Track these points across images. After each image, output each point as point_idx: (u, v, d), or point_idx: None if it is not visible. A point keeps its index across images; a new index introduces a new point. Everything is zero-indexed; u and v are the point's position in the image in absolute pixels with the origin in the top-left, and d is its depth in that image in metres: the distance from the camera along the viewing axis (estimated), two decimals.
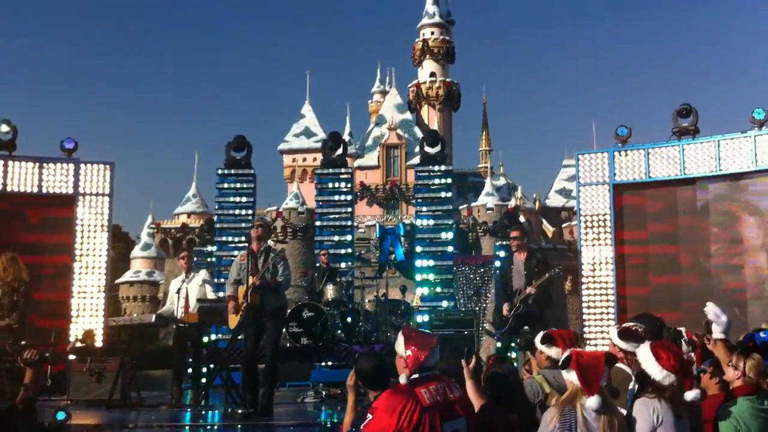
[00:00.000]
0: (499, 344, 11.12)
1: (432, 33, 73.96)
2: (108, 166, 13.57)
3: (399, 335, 4.56)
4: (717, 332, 5.42)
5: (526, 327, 10.97)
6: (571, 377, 4.32)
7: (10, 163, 13.00)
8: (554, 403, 4.57)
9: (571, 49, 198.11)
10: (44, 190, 13.10)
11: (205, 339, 10.96)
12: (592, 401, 4.17)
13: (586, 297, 13.18)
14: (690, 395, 4.50)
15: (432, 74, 72.87)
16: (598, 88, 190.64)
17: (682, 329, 6.91)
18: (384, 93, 76.51)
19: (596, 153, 13.78)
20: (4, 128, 13.06)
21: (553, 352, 5.69)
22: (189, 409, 10.00)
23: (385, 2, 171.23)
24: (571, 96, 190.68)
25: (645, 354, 4.58)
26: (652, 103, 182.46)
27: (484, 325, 11.42)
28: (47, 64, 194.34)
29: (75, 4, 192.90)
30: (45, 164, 13.18)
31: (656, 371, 4.47)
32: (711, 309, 5.51)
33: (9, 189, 12.92)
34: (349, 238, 16.29)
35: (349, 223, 16.51)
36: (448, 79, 73.23)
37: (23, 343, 8.91)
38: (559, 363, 4.54)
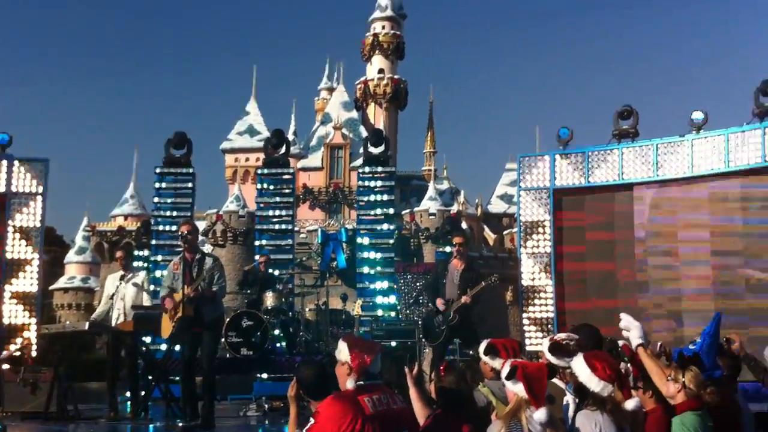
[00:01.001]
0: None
1: (383, 27, 71.98)
2: (42, 163, 13.13)
3: (340, 342, 4.50)
4: (635, 338, 5.34)
5: (457, 340, 10.83)
6: (516, 389, 4.28)
7: None
8: (498, 416, 4.54)
9: (519, 50, 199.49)
10: None
11: (142, 349, 10.59)
12: (540, 414, 4.13)
13: (525, 307, 13.08)
14: (631, 404, 4.52)
15: (380, 71, 70.89)
16: (543, 90, 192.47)
17: (620, 341, 6.96)
18: (331, 90, 74.28)
19: (538, 156, 13.57)
20: None
21: (497, 363, 5.66)
22: (129, 422, 9.72)
23: None
24: (516, 98, 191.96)
25: (580, 366, 4.58)
26: (597, 105, 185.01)
27: (421, 337, 11.27)
28: None
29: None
30: None
31: (593, 383, 4.47)
32: (623, 318, 5.46)
33: None
34: (290, 242, 16.06)
35: (290, 227, 16.28)
36: (396, 76, 71.60)
37: None
38: (504, 375, 4.48)
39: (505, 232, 62.71)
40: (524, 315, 13.09)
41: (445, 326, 9.94)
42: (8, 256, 12.58)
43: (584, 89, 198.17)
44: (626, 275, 12.87)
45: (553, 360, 5.54)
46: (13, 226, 12.71)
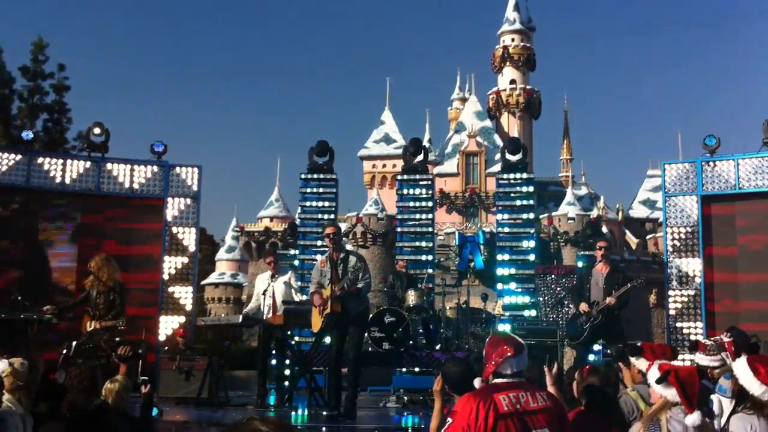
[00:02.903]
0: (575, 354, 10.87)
1: (512, 40, 72.99)
2: (196, 168, 13.88)
3: (486, 341, 4.52)
4: None
5: (601, 341, 10.77)
6: (668, 393, 4.24)
7: (103, 165, 13.45)
8: (640, 418, 4.51)
9: (655, 57, 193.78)
10: (136, 191, 13.49)
11: (291, 341, 11.05)
12: (693, 418, 4.08)
13: (673, 311, 12.85)
14: None
15: (512, 81, 71.94)
16: (683, 96, 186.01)
17: None
18: (463, 100, 75.96)
19: (683, 163, 13.46)
20: (97, 131, 13.54)
21: (642, 364, 5.60)
22: (274, 409, 10.15)
23: (465, 9, 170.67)
24: (655, 105, 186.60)
25: (742, 368, 4.47)
26: (741, 114, 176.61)
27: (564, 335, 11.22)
28: (136, 68, 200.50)
29: (161, 10, 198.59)
30: (136, 166, 13.57)
31: (755, 386, 4.37)
32: None
33: (103, 189, 13.38)
34: (429, 244, 16.35)
35: (430, 229, 16.57)
36: (528, 87, 72.19)
37: (117, 339, 9.26)
38: (655, 378, 4.42)
39: (648, 237, 61.39)
40: (670, 318, 12.83)
41: (588, 326, 9.94)
42: (166, 255, 13.32)
43: (727, 96, 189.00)
44: None
45: (698, 360, 5.44)
46: (171, 226, 13.48)
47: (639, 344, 5.83)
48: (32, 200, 13.19)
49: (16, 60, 38.81)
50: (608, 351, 10.14)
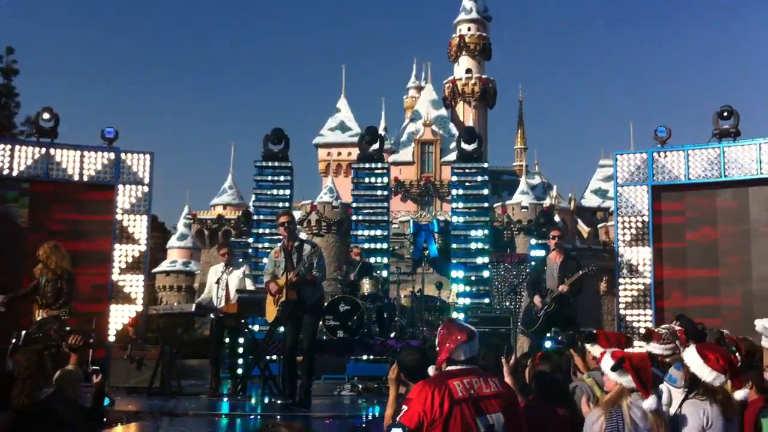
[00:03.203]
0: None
1: (468, 29, 73.27)
2: (148, 155, 13.70)
3: (439, 327, 4.54)
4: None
5: (554, 329, 10.94)
6: (623, 379, 4.31)
7: (52, 150, 13.20)
8: (598, 404, 4.57)
9: (610, 48, 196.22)
10: (85, 178, 13.27)
11: (245, 330, 10.97)
12: (650, 402, 4.19)
13: (623, 298, 13.08)
14: (740, 395, 4.48)
15: (468, 70, 72.25)
16: (636, 87, 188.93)
17: (725, 331, 6.88)
18: (419, 89, 76.06)
19: (635, 153, 13.70)
20: (46, 116, 13.29)
21: (596, 350, 5.68)
22: (228, 399, 10.10)
23: None
24: (608, 95, 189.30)
25: (692, 356, 4.56)
26: (691, 105, 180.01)
27: (519, 324, 11.35)
28: (87, 53, 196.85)
29: None
30: (86, 152, 13.34)
31: (705, 373, 4.46)
32: (760, 323, 5.49)
33: (52, 176, 13.13)
34: (384, 233, 16.38)
35: (385, 218, 16.61)
36: (484, 76, 72.60)
37: (68, 328, 9.09)
38: (609, 366, 4.47)
39: (599, 226, 62.40)
40: (620, 305, 13.07)
41: (542, 314, 10.09)
42: (117, 243, 13.15)
43: (677, 88, 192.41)
44: (727, 271, 12.63)
45: (654, 349, 5.53)
46: (122, 213, 13.30)
47: (594, 331, 5.90)
48: None
49: None
50: (560, 338, 10.25)
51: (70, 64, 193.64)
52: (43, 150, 13.16)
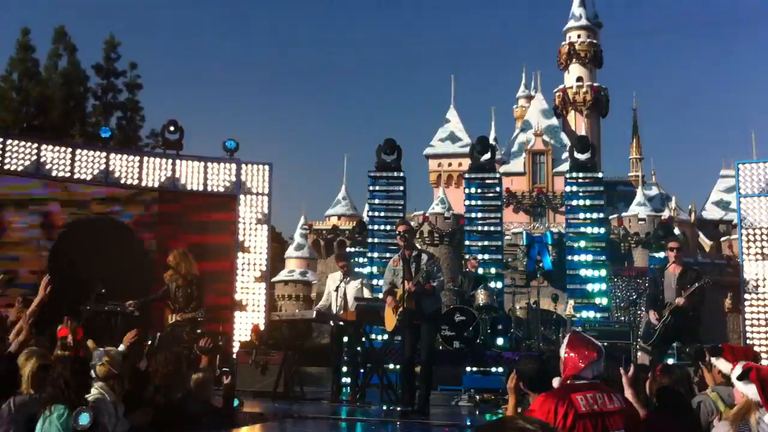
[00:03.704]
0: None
1: (578, 36, 71.41)
2: (267, 166, 14.13)
3: (565, 338, 4.53)
4: None
5: (676, 343, 10.63)
6: (748, 390, 4.23)
7: (177, 162, 13.83)
8: (726, 418, 4.50)
9: (730, 54, 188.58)
10: (209, 189, 13.83)
11: (363, 338, 11.19)
12: None
13: (749, 314, 12.62)
14: None
15: (579, 79, 70.44)
16: (757, 94, 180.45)
17: None
18: (529, 98, 75.02)
19: (758, 163, 13.17)
20: (171, 128, 13.94)
21: (722, 365, 5.56)
22: (348, 404, 10.32)
23: (531, 5, 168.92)
24: (728, 103, 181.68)
25: None
26: None
27: (639, 339, 11.08)
28: (209, 66, 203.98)
29: (232, 9, 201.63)
30: (209, 163, 13.91)
31: None
32: None
33: (177, 186, 13.76)
34: (498, 243, 16.31)
35: (499, 228, 16.53)
36: (595, 84, 70.69)
37: (199, 331, 9.59)
38: (736, 375, 4.41)
39: (722, 239, 59.88)
40: (747, 321, 12.60)
41: (659, 327, 9.87)
42: (240, 252, 13.62)
43: None
44: None
45: None
46: (244, 222, 13.78)
47: (720, 345, 5.79)
48: (110, 197, 13.65)
49: (90, 58, 39.83)
50: (684, 352, 9.99)
51: (192, 77, 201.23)
52: (170, 161, 13.80)
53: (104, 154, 13.65)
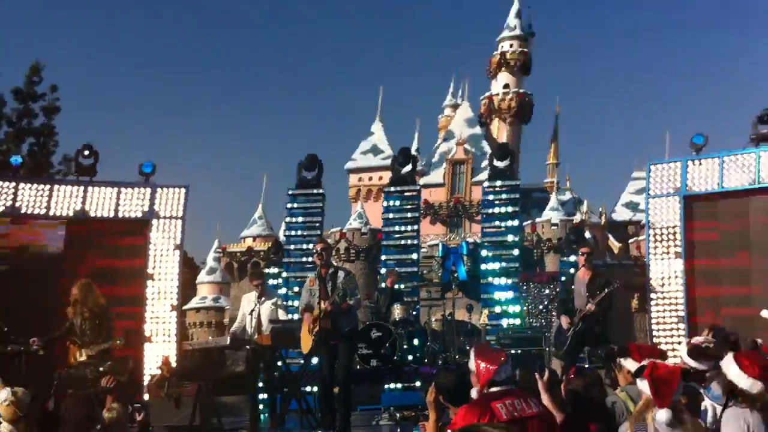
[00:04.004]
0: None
1: (511, 45, 71.79)
2: (183, 189, 13.76)
3: (471, 351, 4.60)
4: None
5: (587, 347, 10.81)
6: (643, 387, 4.31)
7: (90, 188, 13.37)
8: (629, 417, 4.57)
9: (647, 58, 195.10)
10: (120, 215, 13.41)
11: (279, 362, 10.98)
12: (661, 414, 4.10)
13: (655, 313, 12.82)
14: None
15: (506, 86, 70.60)
16: (673, 97, 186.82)
17: (758, 340, 6.83)
18: (455, 107, 74.72)
19: (669, 163, 13.19)
20: (86, 153, 13.49)
21: (629, 364, 5.66)
22: None
23: (464, 17, 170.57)
24: (644, 106, 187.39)
25: (730, 364, 4.56)
26: (731, 113, 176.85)
27: (551, 346, 11.24)
28: (124, 88, 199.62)
29: (144, 31, 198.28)
30: (122, 189, 13.48)
31: (743, 380, 4.45)
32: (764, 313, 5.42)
33: (88, 214, 13.28)
34: (414, 257, 16.33)
35: (416, 242, 16.56)
36: (521, 91, 71.30)
37: (101, 369, 9.26)
38: (633, 373, 4.52)
39: (630, 241, 61.46)
40: (653, 320, 12.84)
41: (570, 333, 9.98)
42: (150, 276, 13.23)
43: (715, 96, 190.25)
44: (760, 275, 12.34)
45: (692, 363, 5.49)
46: (155, 248, 13.40)
47: (627, 345, 5.89)
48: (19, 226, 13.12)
49: (10, 82, 38.29)
50: (595, 355, 10.16)
51: (104, 99, 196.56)
52: (82, 188, 13.32)
53: (13, 183, 13.11)
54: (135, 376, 10.78)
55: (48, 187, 13.36)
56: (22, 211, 12.98)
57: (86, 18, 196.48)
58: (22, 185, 13.13)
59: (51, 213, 13.13)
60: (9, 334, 10.23)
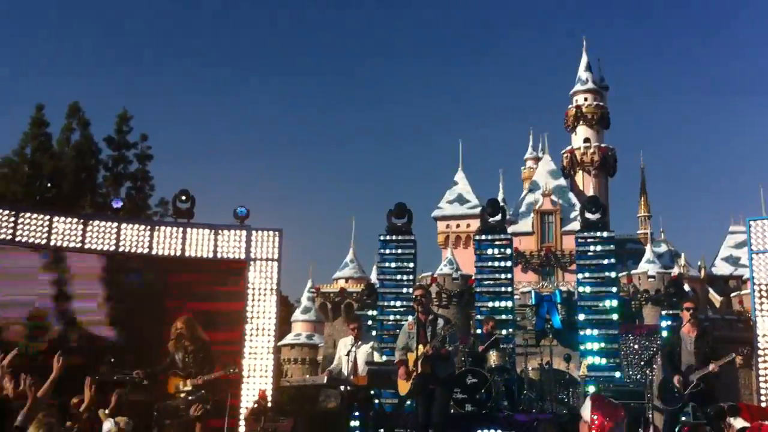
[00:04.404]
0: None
1: (585, 99, 72.98)
2: (277, 232, 14.13)
3: (587, 399, 4.42)
4: None
5: (693, 404, 10.49)
6: None
7: (188, 230, 13.86)
8: None
9: (736, 112, 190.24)
10: (219, 256, 13.81)
11: (375, 402, 11.04)
12: None
13: (763, 371, 12.45)
14: None
15: (586, 140, 71.63)
16: (763, 148, 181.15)
17: None
18: (537, 159, 76.33)
19: None
20: (183, 197, 14.03)
21: (739, 423, 5.51)
22: None
23: (537, 70, 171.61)
24: (734, 160, 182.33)
25: None
26: None
27: (656, 399, 10.89)
28: (217, 135, 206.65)
29: (233, 76, 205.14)
30: (220, 231, 13.92)
31: None
32: None
33: (187, 254, 13.75)
34: (509, 304, 16.23)
35: (509, 289, 16.46)
36: (603, 145, 71.82)
37: (190, 398, 9.52)
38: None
39: (732, 295, 59.62)
40: (761, 378, 12.42)
41: (687, 393, 9.74)
42: (248, 315, 13.55)
43: None
44: None
45: None
46: (253, 289, 13.73)
47: (737, 404, 5.74)
48: (120, 264, 13.66)
49: (102, 132, 40.38)
50: (699, 411, 9.83)
51: (198, 147, 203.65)
52: (181, 230, 13.83)
53: (115, 224, 13.70)
54: (225, 402, 10.90)
55: (148, 228, 13.89)
56: (123, 250, 13.49)
57: (175, 66, 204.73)
58: (124, 225, 13.70)
59: (153, 252, 13.60)
60: (114, 365, 10.60)
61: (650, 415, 12.47)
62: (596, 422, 4.20)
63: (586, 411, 4.35)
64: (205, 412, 9.17)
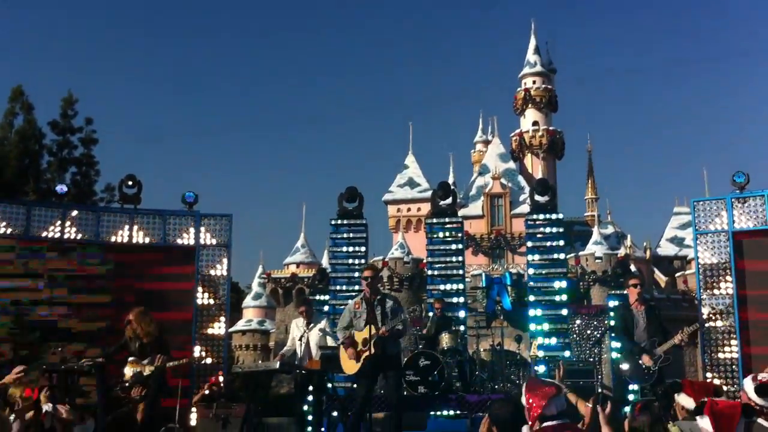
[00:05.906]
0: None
1: (534, 82, 73.85)
2: (226, 218, 14.02)
3: (522, 386, 4.53)
4: None
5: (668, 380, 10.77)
6: (704, 424, 4.27)
7: (135, 216, 13.67)
8: None
9: (679, 94, 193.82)
10: (167, 242, 13.65)
11: (329, 386, 11.06)
12: None
13: (707, 348, 12.75)
14: None
15: (535, 123, 72.61)
16: (708, 132, 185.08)
17: None
18: (486, 143, 76.91)
19: (713, 200, 13.39)
20: (129, 183, 13.80)
21: (682, 399, 5.61)
22: None
23: (486, 53, 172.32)
24: (679, 142, 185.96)
25: None
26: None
27: (627, 377, 11.02)
28: (165, 119, 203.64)
29: (187, 63, 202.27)
30: (168, 217, 13.75)
31: None
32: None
33: (134, 241, 13.56)
34: (460, 286, 16.36)
35: (461, 272, 16.60)
36: (551, 128, 72.82)
37: (127, 385, 9.43)
38: (692, 411, 4.48)
39: (677, 275, 61.05)
40: (705, 356, 12.73)
41: (656, 367, 9.95)
42: (198, 302, 13.44)
43: (751, 131, 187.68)
44: None
45: (759, 401, 5.41)
46: (202, 276, 13.61)
47: (680, 381, 5.85)
48: (66, 251, 13.42)
49: (46, 115, 39.49)
50: (647, 389, 10.05)
51: (145, 131, 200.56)
52: (128, 216, 13.63)
53: (60, 210, 13.44)
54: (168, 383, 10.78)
55: (94, 214, 13.69)
56: (68, 237, 13.27)
57: (121, 50, 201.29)
58: (69, 212, 13.45)
59: (99, 238, 13.41)
60: (62, 352, 10.43)
61: (599, 392, 12.74)
62: (531, 405, 4.28)
63: (522, 397, 4.43)
64: (146, 393, 9.14)
